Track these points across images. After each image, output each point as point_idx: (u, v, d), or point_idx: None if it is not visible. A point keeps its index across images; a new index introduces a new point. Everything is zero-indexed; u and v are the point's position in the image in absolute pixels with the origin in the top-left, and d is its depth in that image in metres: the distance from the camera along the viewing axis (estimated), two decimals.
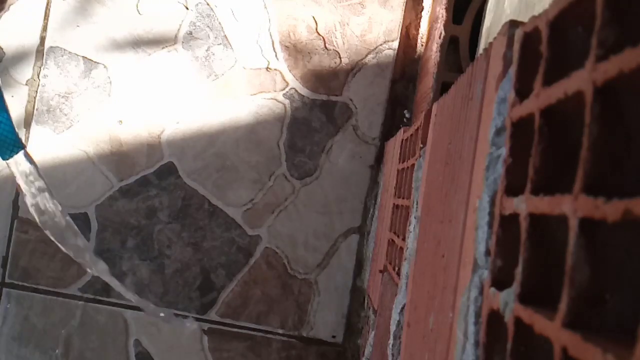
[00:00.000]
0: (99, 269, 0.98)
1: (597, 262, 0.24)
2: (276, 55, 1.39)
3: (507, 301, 0.31)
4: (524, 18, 0.35)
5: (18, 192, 1.42)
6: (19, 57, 1.42)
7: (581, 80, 0.26)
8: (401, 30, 1.39)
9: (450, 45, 1.14)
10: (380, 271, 0.91)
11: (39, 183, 0.90)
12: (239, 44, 1.40)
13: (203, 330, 1.42)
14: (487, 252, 0.36)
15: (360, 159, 1.40)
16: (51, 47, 1.41)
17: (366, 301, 1.18)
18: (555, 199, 0.27)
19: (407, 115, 1.38)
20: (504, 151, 0.35)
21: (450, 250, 0.45)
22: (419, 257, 0.60)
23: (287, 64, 1.39)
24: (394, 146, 1.05)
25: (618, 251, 0.24)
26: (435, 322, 0.47)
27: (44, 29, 1.41)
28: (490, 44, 0.42)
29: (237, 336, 1.42)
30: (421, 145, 0.69)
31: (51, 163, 1.42)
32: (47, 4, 1.40)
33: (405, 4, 1.38)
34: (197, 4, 1.40)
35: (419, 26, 1.38)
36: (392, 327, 0.67)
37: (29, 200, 0.90)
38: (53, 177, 1.42)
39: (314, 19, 1.39)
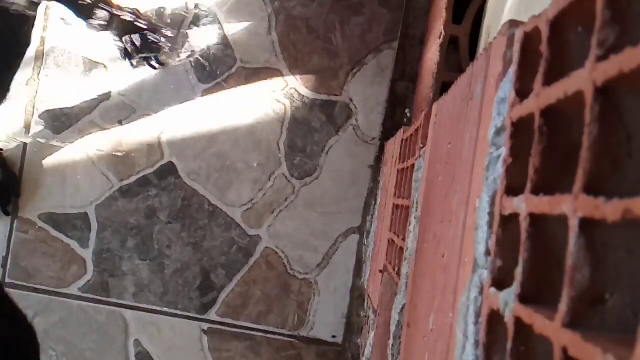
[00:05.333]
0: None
1: (597, 262, 0.24)
2: (276, 55, 1.39)
3: (507, 301, 0.31)
4: (524, 18, 0.35)
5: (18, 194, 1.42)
6: None
7: (581, 80, 0.26)
8: (401, 30, 1.38)
9: (450, 45, 1.14)
10: (380, 271, 0.91)
11: None
12: (239, 44, 1.40)
13: (203, 330, 1.42)
14: (487, 252, 0.36)
15: (360, 159, 1.40)
16: (51, 47, 1.41)
17: (366, 301, 1.18)
18: (555, 199, 0.27)
19: (407, 115, 1.38)
20: (504, 151, 0.35)
21: (450, 250, 0.45)
22: (419, 257, 0.60)
23: (287, 64, 1.39)
24: (394, 146, 1.05)
25: (618, 251, 0.24)
26: (435, 322, 0.47)
27: (44, 29, 1.41)
28: (490, 44, 0.42)
29: (237, 336, 1.42)
30: (421, 145, 0.69)
31: (51, 163, 1.42)
32: (48, 5, 1.40)
33: (405, 4, 1.38)
34: (197, 4, 1.40)
35: (419, 26, 1.38)
36: (392, 327, 0.67)
37: None
38: (53, 177, 1.42)
39: (314, 18, 1.39)
